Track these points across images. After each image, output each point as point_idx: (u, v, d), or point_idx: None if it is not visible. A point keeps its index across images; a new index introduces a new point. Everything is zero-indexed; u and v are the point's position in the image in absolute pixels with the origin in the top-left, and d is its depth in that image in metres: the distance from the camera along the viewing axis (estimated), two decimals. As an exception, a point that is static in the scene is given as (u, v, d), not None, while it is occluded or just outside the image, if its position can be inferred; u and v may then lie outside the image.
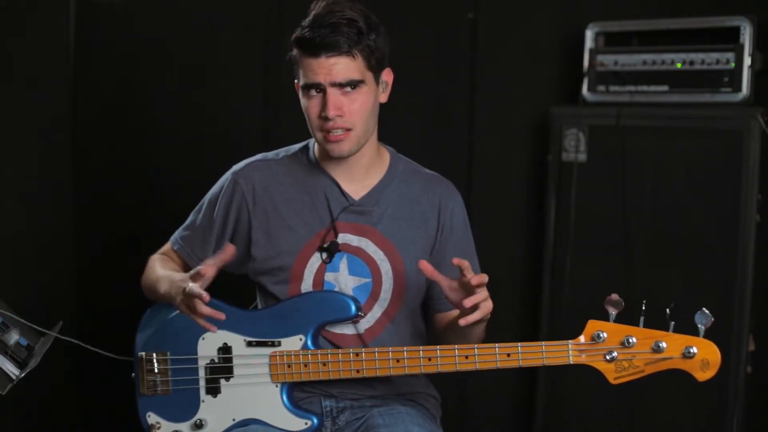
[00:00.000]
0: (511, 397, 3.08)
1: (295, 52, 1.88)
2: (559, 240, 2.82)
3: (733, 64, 2.58)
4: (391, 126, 2.09)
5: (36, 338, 1.99)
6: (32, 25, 3.14)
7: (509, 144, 3.11)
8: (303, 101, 1.90)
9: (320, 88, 1.85)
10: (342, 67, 1.83)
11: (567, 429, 2.84)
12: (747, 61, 2.57)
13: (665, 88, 2.69)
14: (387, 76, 1.94)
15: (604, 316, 1.72)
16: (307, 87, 1.87)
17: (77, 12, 3.38)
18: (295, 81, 1.94)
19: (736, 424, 2.53)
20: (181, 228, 2.10)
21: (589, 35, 2.78)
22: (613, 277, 2.70)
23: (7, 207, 3.05)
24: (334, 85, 1.84)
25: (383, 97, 1.95)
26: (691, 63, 2.65)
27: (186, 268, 2.06)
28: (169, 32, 3.39)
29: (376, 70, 1.89)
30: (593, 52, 2.77)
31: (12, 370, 1.86)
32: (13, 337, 1.90)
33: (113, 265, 3.30)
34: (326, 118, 1.85)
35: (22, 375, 1.87)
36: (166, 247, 2.11)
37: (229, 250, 1.82)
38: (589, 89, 2.79)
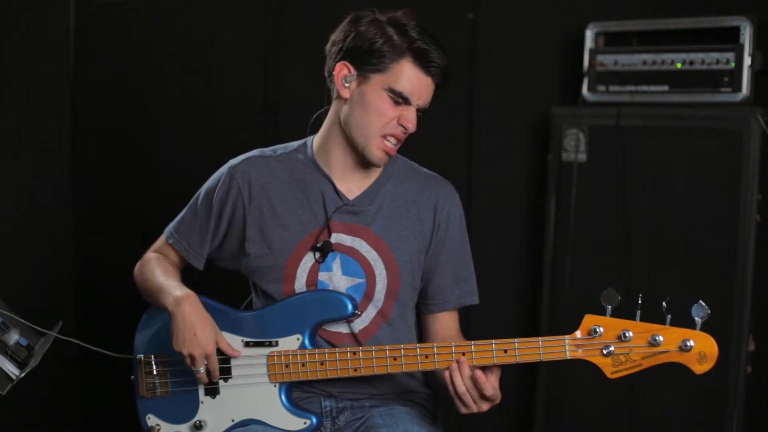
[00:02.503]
0: (511, 397, 3.07)
1: (396, 51, 1.83)
2: (559, 240, 2.82)
3: (733, 64, 2.58)
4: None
5: (36, 338, 1.98)
6: (32, 25, 3.14)
7: (509, 144, 3.10)
8: (379, 97, 1.86)
9: (408, 101, 1.86)
10: (431, 94, 1.89)
11: (567, 429, 2.84)
12: (747, 61, 2.57)
13: (665, 88, 2.69)
14: None
15: (602, 312, 1.72)
16: (397, 94, 1.85)
17: (77, 12, 3.38)
18: (346, 63, 1.87)
19: (736, 424, 2.53)
20: (175, 221, 2.07)
21: (589, 35, 2.78)
22: (612, 276, 2.70)
23: (7, 207, 3.06)
24: (420, 105, 1.88)
25: None
26: (691, 63, 2.65)
27: (181, 261, 2.06)
28: (169, 32, 3.39)
29: None
30: (593, 52, 2.77)
31: (12, 370, 1.86)
32: (13, 337, 1.90)
33: (113, 265, 3.29)
34: (405, 131, 1.88)
35: (22, 375, 1.87)
36: (161, 241, 2.09)
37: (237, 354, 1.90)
38: (589, 89, 2.79)
